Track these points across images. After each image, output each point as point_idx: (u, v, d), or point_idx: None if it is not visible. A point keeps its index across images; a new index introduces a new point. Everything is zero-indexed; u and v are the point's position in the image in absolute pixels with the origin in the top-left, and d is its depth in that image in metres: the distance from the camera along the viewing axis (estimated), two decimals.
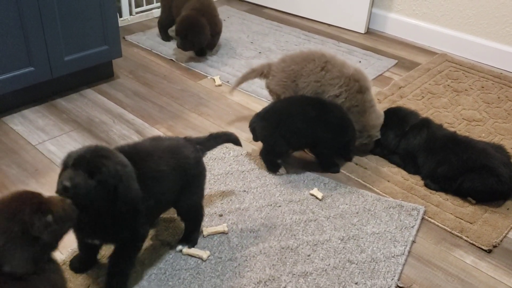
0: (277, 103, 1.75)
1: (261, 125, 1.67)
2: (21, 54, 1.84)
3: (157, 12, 2.98)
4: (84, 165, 1.07)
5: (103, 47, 2.09)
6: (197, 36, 2.33)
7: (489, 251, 1.42)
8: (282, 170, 1.71)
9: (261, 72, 1.87)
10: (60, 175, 1.09)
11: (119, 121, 1.95)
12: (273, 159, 1.72)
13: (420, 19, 2.76)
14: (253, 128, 1.70)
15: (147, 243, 1.37)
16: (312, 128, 1.65)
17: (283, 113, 1.67)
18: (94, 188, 1.06)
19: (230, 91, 2.03)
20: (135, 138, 1.85)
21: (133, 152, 1.20)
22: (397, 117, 1.80)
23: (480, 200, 1.59)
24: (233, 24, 2.92)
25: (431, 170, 1.65)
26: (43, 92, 2.04)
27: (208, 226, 1.45)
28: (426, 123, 1.76)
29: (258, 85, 2.24)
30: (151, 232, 1.41)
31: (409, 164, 1.73)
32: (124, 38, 2.65)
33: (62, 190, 1.05)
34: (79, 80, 2.14)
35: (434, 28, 2.71)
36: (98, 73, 2.20)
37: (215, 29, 2.45)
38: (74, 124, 1.91)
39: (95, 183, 1.06)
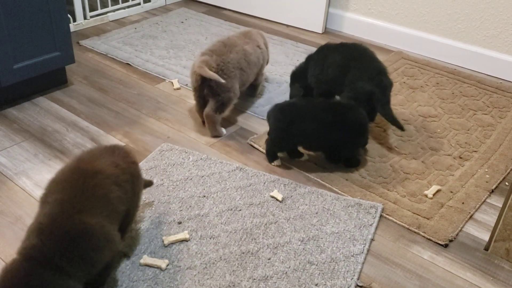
0: (299, 101, 1.79)
1: (276, 116, 1.72)
2: None
3: (112, 16, 2.92)
4: None
5: (54, 54, 2.02)
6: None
7: (446, 246, 1.45)
8: (277, 162, 1.76)
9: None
10: None
11: (73, 129, 1.89)
12: (276, 151, 1.77)
13: (375, 17, 2.80)
14: (268, 117, 1.75)
15: None
16: (328, 132, 1.69)
17: (299, 113, 1.70)
18: None
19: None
20: (89, 146, 1.80)
21: None
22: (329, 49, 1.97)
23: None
24: (191, 26, 2.89)
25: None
26: None
27: (168, 235, 1.42)
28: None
29: None
30: None
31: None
32: (78, 43, 2.58)
33: None
34: (31, 88, 2.07)
35: (390, 26, 2.75)
36: (51, 80, 2.13)
37: None
38: (25, 134, 1.84)
39: None
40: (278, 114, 1.72)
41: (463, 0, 2.48)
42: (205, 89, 1.82)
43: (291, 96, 2.10)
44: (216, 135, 1.89)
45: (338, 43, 1.98)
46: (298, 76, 2.05)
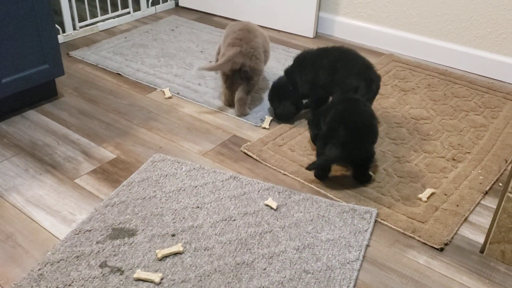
0: (342, 121, 1.65)
1: (356, 146, 1.62)
2: None
3: (102, 26, 2.91)
4: None
5: (43, 66, 2.01)
6: None
7: (441, 250, 1.44)
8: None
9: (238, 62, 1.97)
10: None
11: (64, 142, 1.87)
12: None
13: (366, 21, 2.80)
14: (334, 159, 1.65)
15: (96, 271, 1.32)
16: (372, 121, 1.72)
17: (365, 124, 1.66)
18: None
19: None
20: (80, 159, 1.78)
21: None
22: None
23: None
24: (182, 33, 2.88)
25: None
26: None
27: (161, 248, 1.41)
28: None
29: (210, 95, 2.21)
30: (100, 258, 1.36)
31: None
32: (68, 54, 2.57)
33: None
34: (20, 102, 2.05)
35: (380, 29, 2.76)
36: (41, 93, 2.11)
37: None
38: (16, 149, 1.82)
39: None
40: (357, 143, 1.62)
41: (452, 1, 2.48)
42: (239, 75, 2.00)
43: (280, 116, 2.02)
44: (244, 114, 2.08)
45: (317, 48, 1.99)
46: (284, 92, 1.99)
